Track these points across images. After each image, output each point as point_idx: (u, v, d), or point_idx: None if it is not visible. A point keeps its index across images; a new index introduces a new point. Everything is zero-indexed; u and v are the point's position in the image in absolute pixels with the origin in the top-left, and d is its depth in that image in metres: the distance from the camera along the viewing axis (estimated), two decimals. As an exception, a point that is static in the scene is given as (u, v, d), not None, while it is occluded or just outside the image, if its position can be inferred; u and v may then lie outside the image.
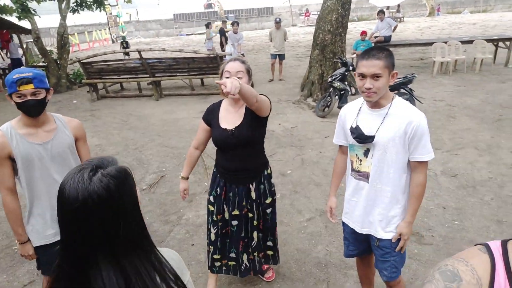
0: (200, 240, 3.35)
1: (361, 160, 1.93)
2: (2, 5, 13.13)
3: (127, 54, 12.04)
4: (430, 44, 9.81)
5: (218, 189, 2.39)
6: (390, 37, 9.97)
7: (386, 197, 1.89)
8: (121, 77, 9.26)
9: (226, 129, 2.24)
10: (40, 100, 1.86)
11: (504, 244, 0.83)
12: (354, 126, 1.89)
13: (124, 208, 0.91)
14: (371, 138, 1.82)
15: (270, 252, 2.61)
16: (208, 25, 13.19)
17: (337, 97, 6.55)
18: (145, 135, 6.36)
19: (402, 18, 26.69)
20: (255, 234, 2.47)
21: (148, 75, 8.82)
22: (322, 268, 2.91)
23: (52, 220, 2.02)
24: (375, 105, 1.84)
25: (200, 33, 29.08)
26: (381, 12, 10.20)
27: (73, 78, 11.10)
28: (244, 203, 2.37)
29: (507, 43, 9.56)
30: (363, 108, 1.91)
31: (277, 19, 9.70)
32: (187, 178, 2.50)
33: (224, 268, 2.54)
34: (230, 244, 2.47)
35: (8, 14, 12.95)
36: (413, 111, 1.81)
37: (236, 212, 2.38)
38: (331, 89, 6.60)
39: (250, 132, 2.23)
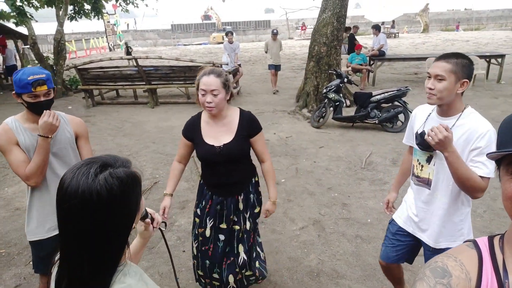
0: (191, 247, 3.31)
1: (422, 166, 1.91)
2: (0, 10, 13.19)
3: (130, 59, 11.90)
4: (424, 59, 9.94)
5: (204, 201, 2.28)
6: (384, 52, 10.11)
7: (443, 208, 1.86)
8: (117, 84, 9.25)
9: (213, 146, 2.11)
10: (50, 99, 1.90)
11: (490, 239, 0.88)
12: (419, 131, 1.85)
13: (117, 216, 0.82)
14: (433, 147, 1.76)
15: (257, 265, 2.44)
16: (346, 30, 12.32)
17: (331, 108, 6.59)
18: (139, 141, 6.33)
19: (397, 34, 27.18)
20: (240, 247, 2.32)
21: (144, 83, 8.84)
22: (314, 277, 2.88)
23: (51, 214, 1.99)
24: (444, 113, 1.80)
25: (197, 44, 29.29)
26: (374, 28, 10.36)
27: (69, 84, 11.09)
28: (231, 216, 2.25)
29: (499, 59, 9.73)
30: (433, 115, 1.88)
31: (274, 31, 9.80)
32: (172, 195, 2.24)
33: (208, 287, 2.43)
34: (211, 266, 2.32)
35: (5, 20, 13.00)
36: (482, 123, 1.71)
37: (223, 225, 2.27)
38: (326, 100, 6.64)
39: (239, 150, 2.14)
